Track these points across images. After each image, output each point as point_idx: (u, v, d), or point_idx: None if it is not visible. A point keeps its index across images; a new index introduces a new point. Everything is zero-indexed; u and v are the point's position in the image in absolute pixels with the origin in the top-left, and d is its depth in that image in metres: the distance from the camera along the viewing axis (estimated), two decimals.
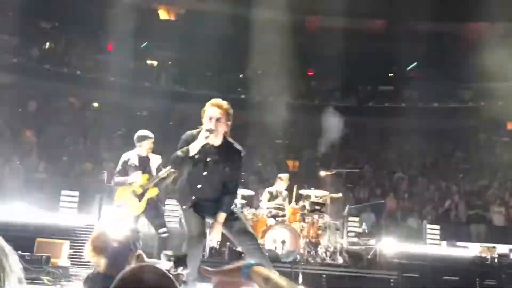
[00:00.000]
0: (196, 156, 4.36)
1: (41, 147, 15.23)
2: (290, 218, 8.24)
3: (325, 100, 19.85)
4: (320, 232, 8.14)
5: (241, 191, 8.58)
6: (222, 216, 4.40)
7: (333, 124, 14.21)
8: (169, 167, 6.27)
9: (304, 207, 8.35)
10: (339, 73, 18.71)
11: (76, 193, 11.31)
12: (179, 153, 4.36)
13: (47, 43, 19.54)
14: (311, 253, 7.90)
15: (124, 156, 6.61)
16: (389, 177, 16.87)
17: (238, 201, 8.46)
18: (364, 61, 18.80)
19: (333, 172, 9.68)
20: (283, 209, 8.46)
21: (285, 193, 9.13)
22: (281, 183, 9.06)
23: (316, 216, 8.19)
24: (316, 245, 8.03)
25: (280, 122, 17.44)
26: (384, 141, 19.28)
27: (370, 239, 9.38)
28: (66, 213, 10.40)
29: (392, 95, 20.42)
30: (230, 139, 4.47)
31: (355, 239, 9.34)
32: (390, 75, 21.56)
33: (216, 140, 4.39)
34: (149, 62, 21.50)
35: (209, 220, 4.57)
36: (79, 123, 17.77)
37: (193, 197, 4.45)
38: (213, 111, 4.32)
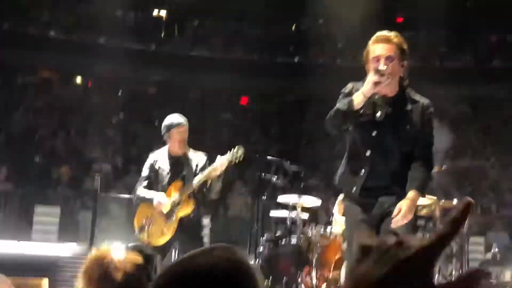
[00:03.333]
0: (362, 111, 4.36)
1: (1, 144, 15.61)
2: None
3: (426, 60, 19.61)
4: None
5: (302, 200, 8.51)
6: (414, 194, 4.30)
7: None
8: (214, 165, 6.26)
9: None
10: (444, 20, 18.53)
11: (56, 210, 11.55)
12: (339, 105, 4.39)
13: None
14: None
15: (151, 157, 6.69)
16: None
17: (298, 215, 8.42)
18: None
19: (444, 168, 9.46)
20: None
21: None
22: None
23: (419, 236, 8.02)
24: None
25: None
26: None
27: (505, 269, 9.21)
28: (42, 239, 10.58)
29: None
30: (409, 88, 4.52)
31: None
32: None
33: (389, 89, 4.43)
34: (155, 13, 21.73)
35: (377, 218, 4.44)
36: (56, 107, 18.14)
37: (360, 181, 4.45)
38: (381, 48, 4.41)
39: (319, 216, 11.93)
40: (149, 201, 6.37)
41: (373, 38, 4.49)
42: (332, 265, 7.90)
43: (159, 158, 6.56)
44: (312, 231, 8.17)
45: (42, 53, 18.60)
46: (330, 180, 16.60)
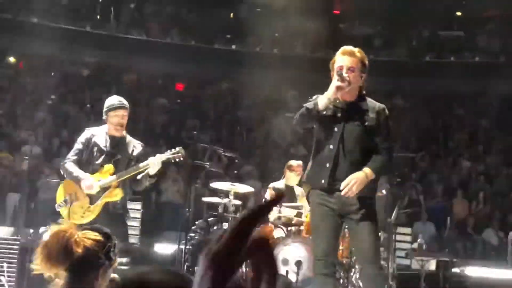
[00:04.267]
0: (325, 112, 5.00)
1: None
2: (308, 227, 8.19)
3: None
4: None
5: (234, 188, 8.54)
6: (368, 171, 4.95)
7: None
8: (150, 162, 6.18)
9: None
10: (381, 12, 18.82)
11: None
12: (306, 105, 5.01)
13: None
14: (341, 280, 7.86)
15: (87, 133, 6.48)
16: (457, 167, 16.85)
17: (230, 202, 8.44)
18: None
19: None
20: (298, 215, 8.41)
21: (299, 190, 9.06)
22: (292, 175, 9.00)
23: (347, 225, 8.15)
24: (348, 268, 8.00)
25: (290, 85, 17.42)
26: (449, 113, 19.33)
27: (429, 259, 9.44)
28: None
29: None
30: (366, 96, 5.22)
31: (406, 260, 9.36)
32: None
33: (349, 95, 5.11)
34: None
35: (344, 222, 5.14)
36: None
37: (327, 172, 5.02)
38: (345, 59, 5.08)
39: (252, 203, 11.97)
40: (76, 179, 6.25)
41: (339, 51, 5.16)
42: None
43: (97, 135, 6.40)
44: None
45: None
46: (263, 167, 16.70)
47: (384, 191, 9.01)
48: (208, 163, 10.39)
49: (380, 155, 5.08)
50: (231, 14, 22.36)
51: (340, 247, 8.04)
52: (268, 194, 9.06)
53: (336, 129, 5.06)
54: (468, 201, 15.14)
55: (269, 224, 8.28)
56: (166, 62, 19.89)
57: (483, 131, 18.68)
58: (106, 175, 6.28)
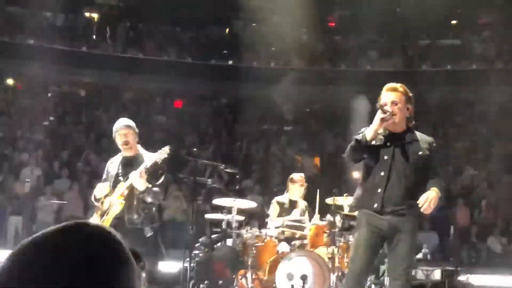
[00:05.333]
0: (374, 143, 5.35)
1: None
2: (312, 240, 8.19)
3: (355, 64, 19.95)
4: None
5: (237, 203, 8.55)
6: (437, 190, 5.22)
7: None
8: (148, 163, 6.21)
9: (333, 223, 8.29)
10: (375, 23, 18.89)
11: None
12: (356, 137, 5.34)
13: None
14: None
15: (108, 162, 6.80)
16: (457, 175, 16.86)
17: (233, 218, 8.44)
18: None
19: None
20: (301, 228, 8.41)
21: (302, 203, 9.07)
22: (295, 188, 9.00)
23: (352, 237, 8.13)
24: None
25: (287, 98, 17.46)
26: (448, 122, 19.49)
27: (434, 269, 9.46)
28: None
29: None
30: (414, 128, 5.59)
31: (412, 271, 9.32)
32: None
33: (397, 127, 5.44)
34: (87, 14, 21.47)
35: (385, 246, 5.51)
36: None
37: (379, 197, 5.33)
38: (388, 95, 5.44)
39: (254, 218, 11.97)
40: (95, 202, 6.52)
41: (384, 88, 5.54)
42: (267, 268, 7.94)
43: (113, 162, 6.67)
44: (247, 234, 8.21)
45: None
46: (264, 181, 16.70)
47: None
48: (209, 180, 10.37)
49: (436, 180, 5.37)
50: (227, 30, 22.45)
51: (345, 259, 8.05)
52: (273, 209, 9.05)
53: (386, 157, 5.38)
54: (470, 209, 15.14)
55: (273, 239, 8.27)
56: (164, 80, 19.96)
57: (483, 138, 18.70)
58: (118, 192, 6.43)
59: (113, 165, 6.62)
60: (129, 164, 6.50)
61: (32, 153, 15.30)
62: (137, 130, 6.61)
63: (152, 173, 6.34)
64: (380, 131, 5.39)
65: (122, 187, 6.35)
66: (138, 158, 6.55)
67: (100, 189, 6.44)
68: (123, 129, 6.54)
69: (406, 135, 5.50)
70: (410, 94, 5.51)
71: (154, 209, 6.50)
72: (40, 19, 19.17)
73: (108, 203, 6.36)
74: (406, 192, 5.35)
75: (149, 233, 6.41)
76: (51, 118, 18.05)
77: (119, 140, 6.55)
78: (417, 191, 5.29)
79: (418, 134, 5.61)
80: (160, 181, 6.38)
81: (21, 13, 19.29)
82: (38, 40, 18.95)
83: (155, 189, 6.29)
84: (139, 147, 6.63)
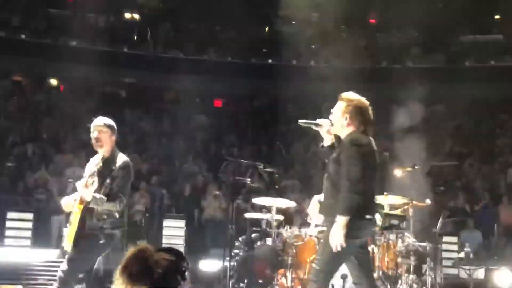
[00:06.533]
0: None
1: None
2: None
3: (397, 61, 19.81)
4: (400, 260, 8.03)
5: (277, 202, 8.56)
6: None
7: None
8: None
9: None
10: (417, 19, 18.74)
11: (29, 216, 11.48)
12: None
13: None
14: None
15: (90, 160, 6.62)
16: (502, 173, 16.61)
17: (273, 217, 8.46)
18: None
19: (416, 168, 9.54)
20: None
21: None
22: None
23: (393, 236, 8.09)
24: (394, 280, 7.94)
25: (327, 96, 17.38)
26: (492, 118, 19.11)
27: (477, 267, 9.33)
28: (15, 245, 10.49)
29: None
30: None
31: (454, 269, 9.26)
32: None
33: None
34: (128, 15, 21.67)
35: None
36: (29, 110, 18.00)
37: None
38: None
39: (294, 217, 11.97)
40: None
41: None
42: (307, 266, 7.93)
43: (90, 163, 6.56)
44: (287, 233, 8.21)
45: (13, 57, 18.46)
46: (304, 181, 16.68)
47: (428, 201, 8.95)
48: (249, 179, 10.42)
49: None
50: (266, 29, 22.45)
51: (386, 259, 8.01)
52: (312, 209, 9.03)
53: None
54: None
55: (313, 238, 8.25)
56: (204, 79, 20.04)
57: None
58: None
59: (90, 164, 6.48)
60: (104, 164, 6.34)
61: (75, 154, 15.53)
62: (114, 131, 6.49)
63: (100, 182, 6.16)
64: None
65: (77, 196, 6.21)
66: (112, 159, 6.43)
67: (66, 206, 6.30)
68: (93, 126, 6.48)
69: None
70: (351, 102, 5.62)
71: (116, 214, 6.26)
72: (82, 21, 19.40)
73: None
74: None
75: (102, 240, 6.14)
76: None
77: (92, 138, 6.48)
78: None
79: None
80: (94, 188, 6.05)
81: (63, 15, 19.56)
82: (80, 41, 19.21)
83: (96, 195, 6.05)
84: (115, 148, 6.48)
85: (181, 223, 12.08)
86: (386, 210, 8.36)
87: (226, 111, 20.74)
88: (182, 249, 10.94)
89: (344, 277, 7.56)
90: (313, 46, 20.46)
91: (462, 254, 9.81)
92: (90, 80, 19.35)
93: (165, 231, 12.04)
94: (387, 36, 21.61)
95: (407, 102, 16.48)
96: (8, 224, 11.05)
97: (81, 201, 6.12)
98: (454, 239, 11.35)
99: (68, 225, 6.20)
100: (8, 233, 10.96)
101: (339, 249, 5.18)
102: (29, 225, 11.18)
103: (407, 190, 9.33)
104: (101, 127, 6.47)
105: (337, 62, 20.04)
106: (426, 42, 21.46)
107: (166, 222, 12.14)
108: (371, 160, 5.46)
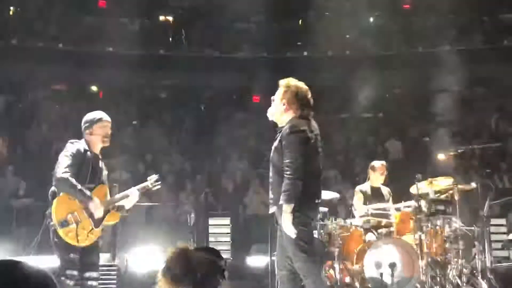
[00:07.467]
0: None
1: (18, 159, 15.69)
2: (399, 228, 8.13)
3: (434, 45, 19.59)
4: (448, 245, 7.96)
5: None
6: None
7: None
8: (127, 193, 6.28)
9: (418, 209, 8.17)
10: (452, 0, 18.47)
11: None
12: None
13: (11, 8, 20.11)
14: (438, 278, 7.74)
15: (78, 146, 6.19)
16: None
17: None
18: None
19: (460, 151, 9.42)
20: (386, 216, 8.34)
21: (385, 190, 9.02)
22: (376, 176, 8.96)
23: (439, 222, 8.01)
24: (444, 266, 7.87)
25: (365, 85, 17.33)
26: None
27: None
28: None
29: None
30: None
31: (504, 252, 9.12)
32: None
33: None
34: (162, 18, 21.82)
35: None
36: (69, 119, 18.22)
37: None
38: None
39: (339, 209, 11.94)
40: (84, 199, 5.96)
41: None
42: (355, 257, 7.93)
43: (83, 150, 6.16)
44: (332, 224, 8.20)
45: (51, 66, 18.70)
46: (347, 172, 16.63)
47: (473, 184, 8.82)
48: None
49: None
50: (300, 21, 22.36)
51: (434, 245, 7.94)
52: (356, 198, 9.03)
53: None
54: None
55: (359, 228, 8.25)
56: (241, 76, 20.06)
57: None
58: (102, 198, 6.14)
59: (87, 156, 6.14)
60: (98, 163, 6.27)
61: (119, 157, 15.70)
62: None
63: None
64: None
65: (117, 200, 6.27)
66: (100, 161, 6.36)
67: (98, 207, 6.04)
68: (108, 121, 6.34)
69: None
70: (289, 89, 5.92)
71: None
72: (116, 26, 19.58)
73: (101, 210, 6.11)
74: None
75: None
76: (134, 122, 18.45)
77: (101, 131, 6.24)
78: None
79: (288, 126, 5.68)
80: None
81: (98, 22, 19.76)
82: (116, 47, 19.39)
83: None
84: None
85: (226, 220, 12.12)
86: (432, 195, 8.29)
87: (265, 107, 20.67)
88: (228, 247, 11.03)
89: (392, 265, 7.53)
90: (347, 36, 20.32)
91: (511, 236, 9.68)
92: (129, 84, 19.54)
93: (211, 229, 12.11)
94: (422, 20, 21.35)
95: (446, 85, 16.28)
96: None
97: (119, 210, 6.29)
98: (502, 221, 11.17)
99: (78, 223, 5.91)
100: None
101: (294, 236, 5.29)
102: None
103: (452, 174, 9.23)
104: (109, 124, 6.41)
105: (373, 49, 19.88)
106: (462, 23, 21.13)
107: (212, 221, 12.20)
108: (312, 144, 5.61)
